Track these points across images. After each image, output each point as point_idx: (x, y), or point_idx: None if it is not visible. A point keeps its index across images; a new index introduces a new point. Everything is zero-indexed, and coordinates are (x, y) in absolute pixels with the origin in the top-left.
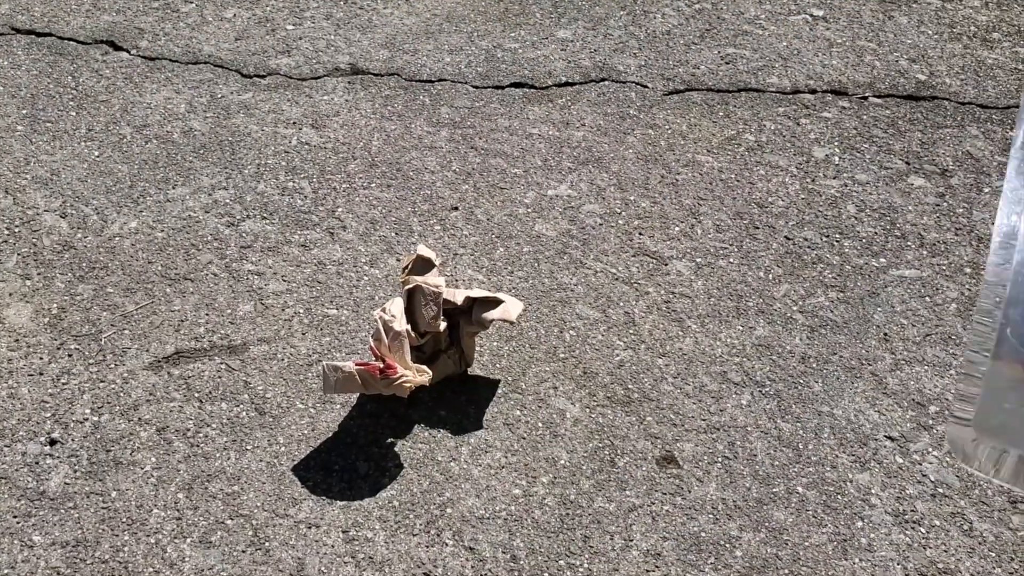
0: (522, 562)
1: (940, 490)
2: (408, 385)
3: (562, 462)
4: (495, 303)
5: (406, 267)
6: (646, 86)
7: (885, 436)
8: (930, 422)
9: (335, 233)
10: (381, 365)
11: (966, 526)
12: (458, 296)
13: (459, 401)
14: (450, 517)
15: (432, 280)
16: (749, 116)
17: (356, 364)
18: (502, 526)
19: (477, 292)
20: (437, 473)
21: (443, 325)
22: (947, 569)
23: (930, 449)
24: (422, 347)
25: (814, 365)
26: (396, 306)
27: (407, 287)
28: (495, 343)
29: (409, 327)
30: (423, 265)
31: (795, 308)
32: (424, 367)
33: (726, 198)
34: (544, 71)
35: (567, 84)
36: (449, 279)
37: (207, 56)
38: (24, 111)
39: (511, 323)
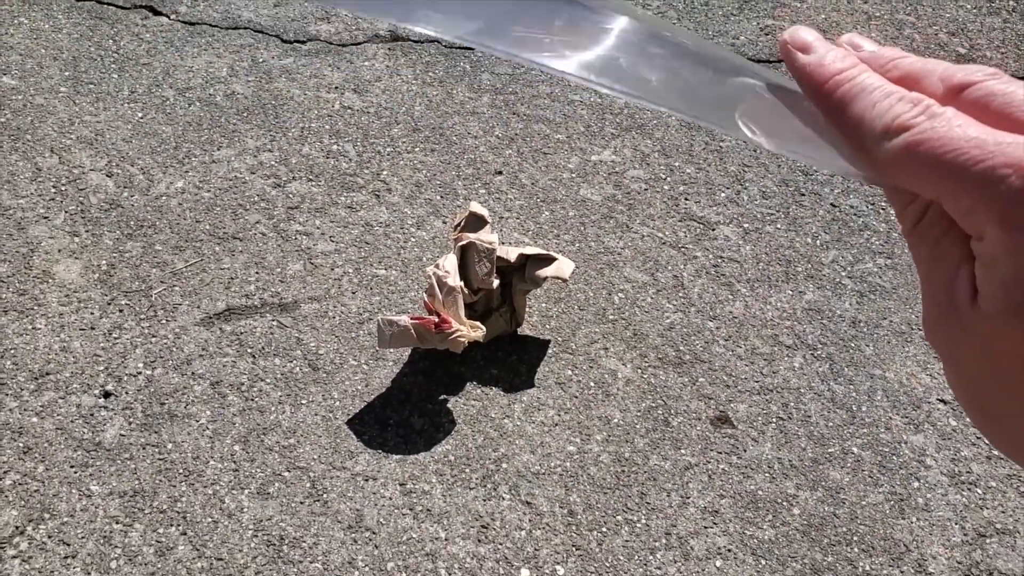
0: (579, 516)
1: (996, 452)
2: (463, 340)
3: (615, 420)
4: (548, 260)
5: (458, 224)
6: None
7: (938, 399)
8: None
9: (381, 196)
10: (436, 319)
11: (1023, 488)
12: (511, 253)
13: (510, 360)
14: (506, 472)
15: (485, 237)
16: None
17: (411, 318)
18: (558, 481)
19: (530, 249)
20: (491, 429)
21: (496, 283)
22: (1005, 529)
23: None
24: (474, 305)
25: (865, 329)
26: (450, 262)
27: (459, 244)
28: (544, 304)
29: (462, 283)
30: (476, 222)
31: (843, 274)
32: (478, 323)
33: (771, 165)
34: None
35: None
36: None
37: (247, 22)
38: (67, 73)
39: (564, 280)
